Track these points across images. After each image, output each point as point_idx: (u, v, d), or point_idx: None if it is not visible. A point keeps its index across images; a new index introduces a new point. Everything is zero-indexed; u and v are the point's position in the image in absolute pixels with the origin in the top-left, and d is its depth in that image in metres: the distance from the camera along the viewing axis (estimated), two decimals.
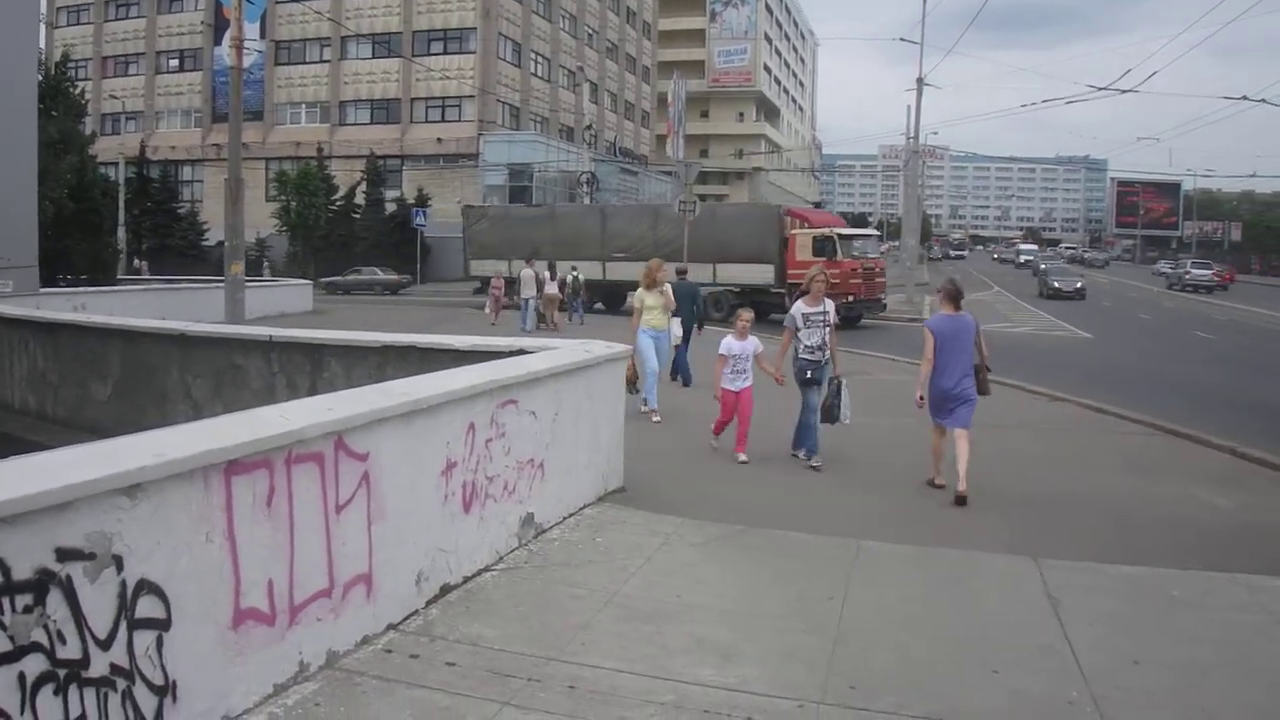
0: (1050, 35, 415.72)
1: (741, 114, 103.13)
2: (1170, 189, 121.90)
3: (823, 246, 30.46)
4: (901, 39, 48.35)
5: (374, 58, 63.49)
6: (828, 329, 9.96)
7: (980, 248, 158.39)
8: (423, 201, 54.24)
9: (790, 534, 7.53)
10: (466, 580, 6.04)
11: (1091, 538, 7.53)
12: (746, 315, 10.61)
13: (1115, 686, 4.98)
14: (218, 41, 52.19)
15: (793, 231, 32.34)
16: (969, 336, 8.96)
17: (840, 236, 31.20)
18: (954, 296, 9.11)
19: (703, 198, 75.86)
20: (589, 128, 63.91)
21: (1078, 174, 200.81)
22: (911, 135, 47.04)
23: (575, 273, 30.74)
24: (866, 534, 7.54)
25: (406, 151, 63.25)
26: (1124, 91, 37.70)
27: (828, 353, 9.96)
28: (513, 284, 30.19)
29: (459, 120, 63.08)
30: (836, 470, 9.78)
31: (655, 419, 12.25)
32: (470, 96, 62.00)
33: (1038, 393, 15.52)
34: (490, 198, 62.65)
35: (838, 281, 25.93)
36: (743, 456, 9.97)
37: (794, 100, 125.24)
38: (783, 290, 30.59)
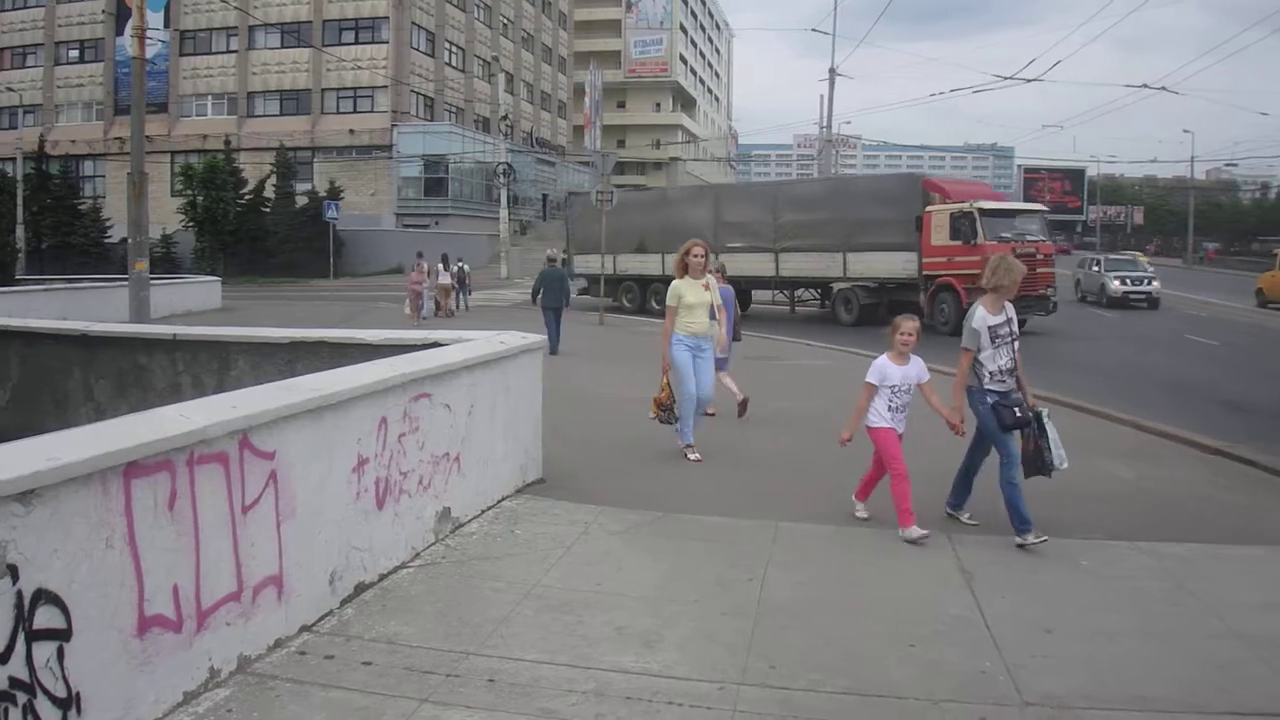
0: (959, 26, 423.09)
1: (658, 104, 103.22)
2: (1075, 175, 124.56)
3: (959, 227, 24.65)
4: (814, 30, 49.06)
5: (283, 47, 62.36)
6: (1016, 342, 7.36)
7: None
8: (335, 194, 53.30)
9: (709, 518, 7.57)
10: (382, 578, 5.95)
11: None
12: (910, 326, 7.38)
13: (1028, 655, 5.10)
14: (119, 31, 51.07)
15: (928, 208, 25.79)
16: (731, 301, 12.61)
17: (983, 213, 24.61)
18: (723, 271, 13.86)
19: (619, 188, 75.73)
20: (505, 118, 63.20)
21: (986, 161, 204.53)
22: (825, 124, 47.65)
23: (461, 263, 33.24)
24: (784, 515, 7.61)
25: (318, 143, 62.30)
26: (1029, 81, 38.50)
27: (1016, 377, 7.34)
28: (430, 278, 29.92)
29: (372, 111, 62.28)
30: (761, 457, 9.81)
31: (693, 456, 9.59)
32: (383, 87, 61.23)
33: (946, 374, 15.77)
34: (405, 190, 62.10)
35: (977, 273, 21.69)
36: (916, 530, 7.02)
37: (710, 91, 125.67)
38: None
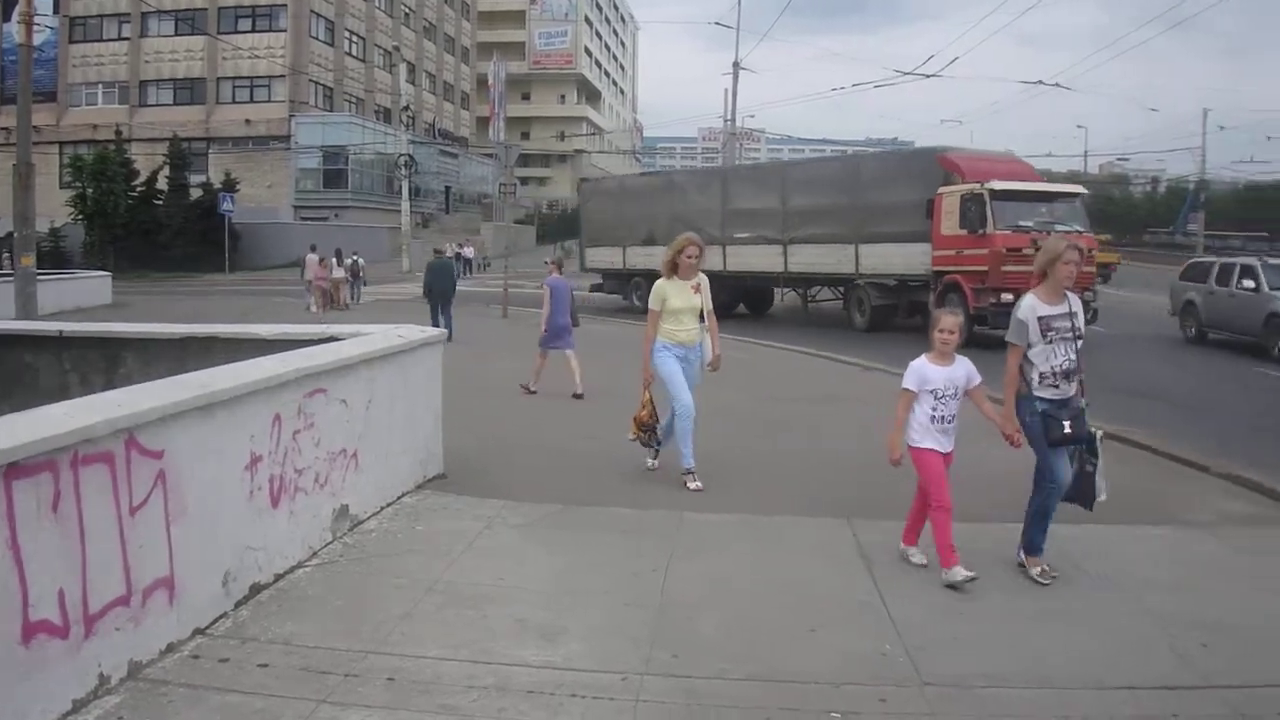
0: (863, 22, 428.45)
1: (563, 96, 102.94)
2: None
3: (968, 212, 20.69)
4: (718, 24, 49.28)
5: (177, 35, 60.79)
6: (1079, 340, 6.26)
7: None
8: (230, 186, 51.98)
9: (614, 510, 7.59)
10: (279, 578, 5.83)
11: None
12: (951, 322, 6.36)
13: (929, 637, 5.22)
14: (6, 17, 49.12)
15: (940, 190, 21.80)
16: (569, 291, 13.93)
17: (995, 194, 20.36)
18: (559, 265, 14.92)
19: (524, 181, 75.01)
20: (406, 109, 62.43)
21: None
22: (729, 118, 47.97)
23: (356, 256, 33.42)
24: (689, 505, 7.67)
25: (213, 134, 60.93)
26: (929, 76, 39.29)
27: (1075, 382, 6.28)
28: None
29: (269, 101, 61.12)
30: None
31: (693, 485, 8.24)
32: (281, 76, 60.10)
33: (849, 362, 16.07)
34: (303, 182, 61.03)
35: (985, 269, 20.25)
36: (960, 572, 5.95)
37: (615, 83, 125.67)
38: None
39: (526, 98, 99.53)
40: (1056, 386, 6.17)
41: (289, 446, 5.94)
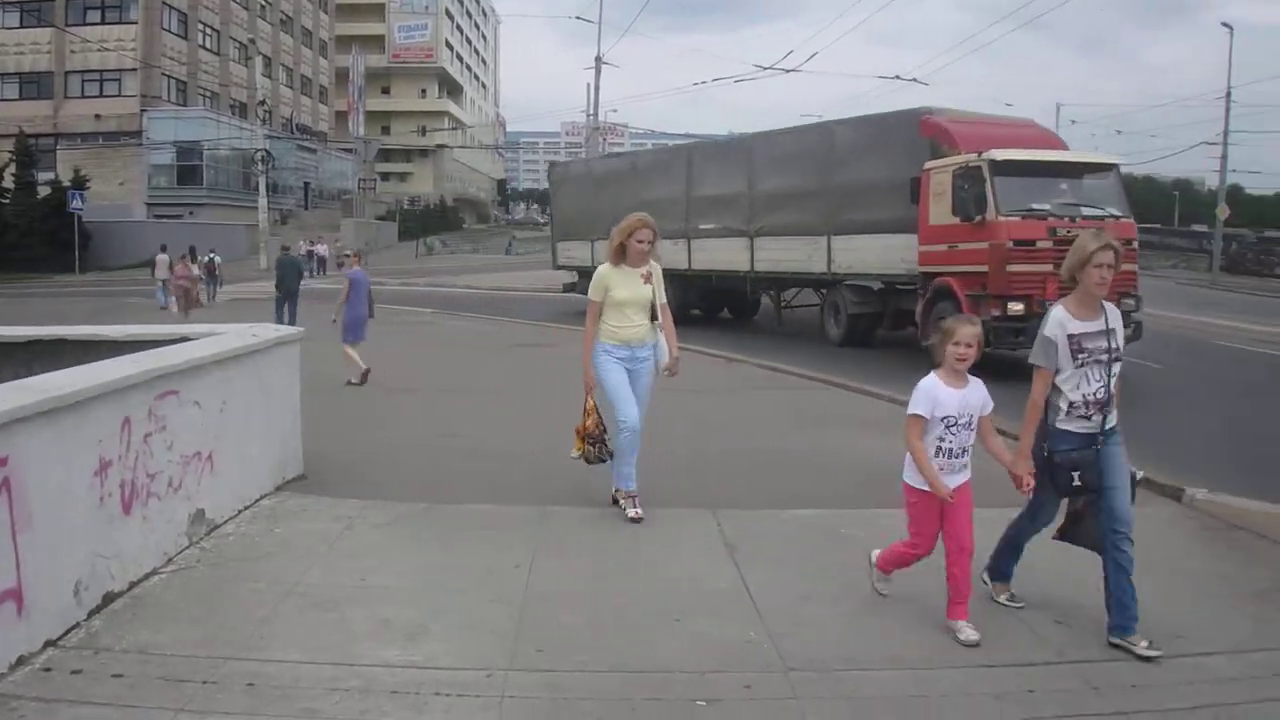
0: (725, 20, 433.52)
1: (424, 90, 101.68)
2: None
3: (963, 191, 15.75)
4: (579, 18, 49.19)
5: (22, 26, 58.27)
6: (1116, 364, 5.25)
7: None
8: (80, 184, 50.01)
9: (477, 507, 7.55)
10: (133, 586, 5.65)
11: (768, 486, 7.98)
12: (968, 333, 5.25)
13: (790, 623, 5.33)
14: None
15: (927, 165, 17.03)
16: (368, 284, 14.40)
17: (997, 167, 15.53)
18: (360, 256, 15.87)
19: (384, 176, 73.82)
20: (263, 103, 61.07)
21: None
22: (591, 112, 48.06)
23: (212, 254, 33.04)
24: (552, 499, 7.66)
25: (61, 129, 58.53)
26: (788, 71, 39.79)
27: (1111, 413, 5.30)
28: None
29: (120, 95, 58.98)
30: (525, 442, 9.84)
31: (633, 512, 7.17)
32: (132, 69, 58.04)
33: (716, 355, 16.34)
34: (157, 179, 59.07)
35: (984, 269, 15.37)
36: (970, 634, 5.17)
37: (477, 77, 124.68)
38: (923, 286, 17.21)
39: (386, 92, 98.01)
40: (1088, 418, 5.20)
41: (140, 450, 5.76)
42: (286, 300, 21.29)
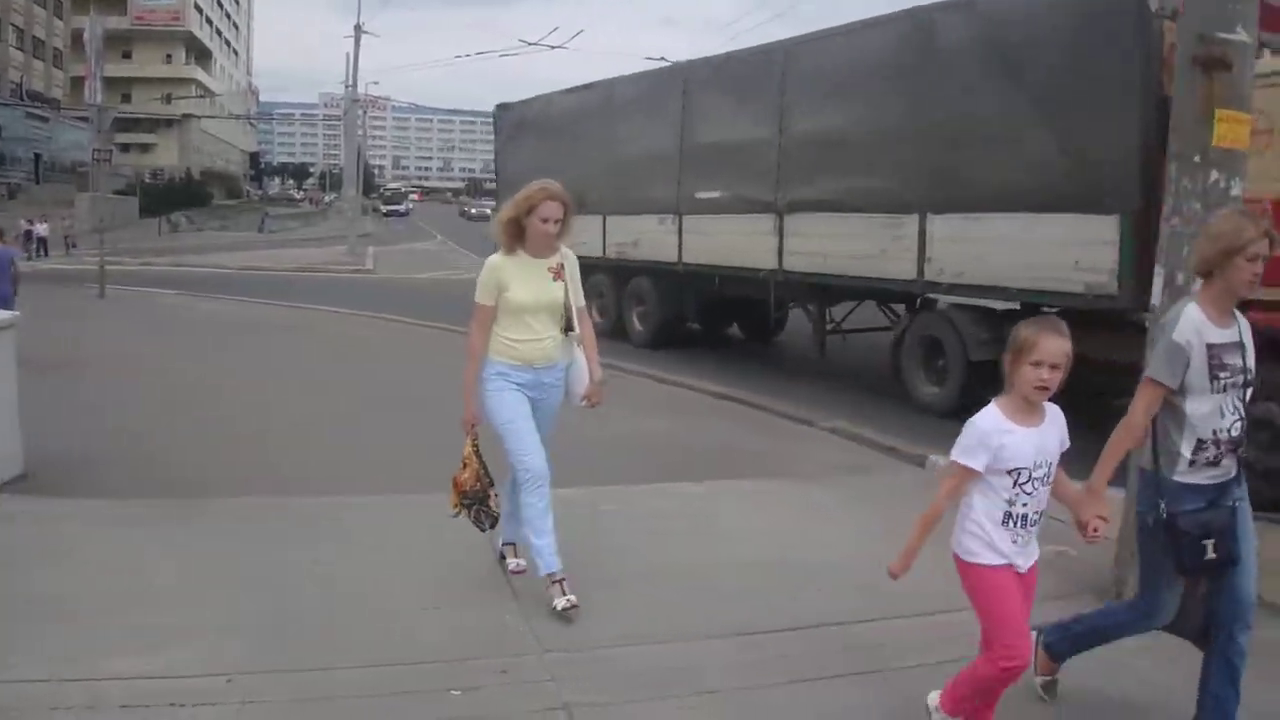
0: None
1: (169, 56, 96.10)
2: None
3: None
4: None
5: None
6: (1249, 390, 3.99)
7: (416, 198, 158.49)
8: None
9: (235, 501, 7.11)
10: None
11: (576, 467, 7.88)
12: (1055, 349, 3.54)
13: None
14: None
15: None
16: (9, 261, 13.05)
17: None
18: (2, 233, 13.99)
19: (124, 147, 69.52)
20: None
21: None
22: (350, 84, 46.61)
23: None
24: (311, 491, 7.34)
25: None
26: (554, 47, 39.59)
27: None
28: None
29: None
30: (297, 426, 9.40)
31: (561, 602, 5.13)
32: None
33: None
34: None
35: None
36: None
37: (229, 43, 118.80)
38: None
39: (128, 56, 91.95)
40: (1217, 464, 3.91)
41: None
42: None
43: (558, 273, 5.41)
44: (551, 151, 18.09)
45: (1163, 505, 3.85)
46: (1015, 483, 3.64)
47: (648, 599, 5.44)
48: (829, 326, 14.21)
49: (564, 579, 5.21)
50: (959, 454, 3.70)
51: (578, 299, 5.51)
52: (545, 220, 5.24)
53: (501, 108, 21.30)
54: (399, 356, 14.62)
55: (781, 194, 13.36)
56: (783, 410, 10.74)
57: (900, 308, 13.44)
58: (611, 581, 5.61)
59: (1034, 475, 3.64)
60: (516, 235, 5.33)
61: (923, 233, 11.28)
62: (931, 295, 11.86)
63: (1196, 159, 5.28)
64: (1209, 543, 3.80)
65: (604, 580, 5.61)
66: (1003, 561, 3.69)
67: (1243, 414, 3.93)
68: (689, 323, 17.02)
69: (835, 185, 12.54)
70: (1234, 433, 3.90)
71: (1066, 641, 4.36)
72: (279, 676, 4.44)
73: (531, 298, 5.32)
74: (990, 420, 3.67)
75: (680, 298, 16.44)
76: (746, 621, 5.13)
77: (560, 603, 5.13)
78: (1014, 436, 3.62)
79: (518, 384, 5.35)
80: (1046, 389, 3.57)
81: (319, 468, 8.03)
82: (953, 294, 11.43)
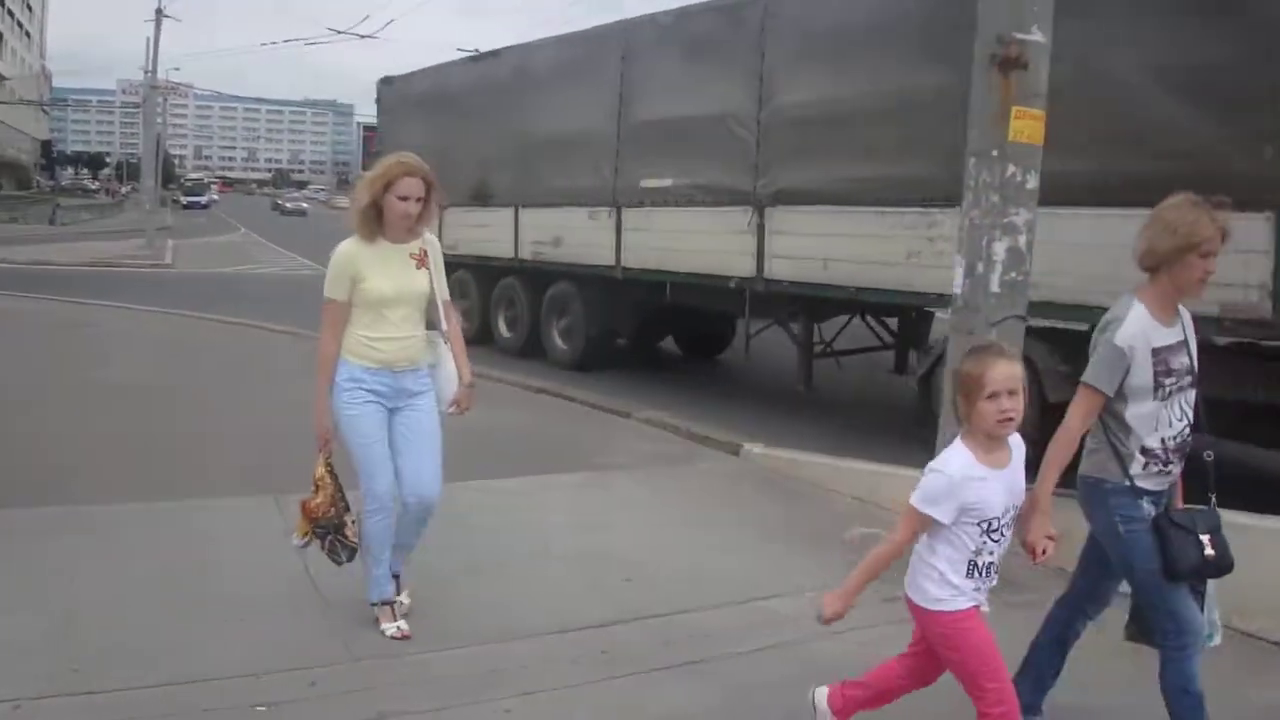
0: None
1: None
2: None
3: None
4: None
5: None
6: (1193, 391, 3.77)
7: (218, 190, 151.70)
8: None
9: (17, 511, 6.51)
10: None
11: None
12: (1008, 373, 3.25)
13: (359, 614, 4.97)
14: None
15: None
16: None
17: None
18: None
19: None
20: None
21: (325, 118, 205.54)
22: (150, 69, 44.56)
23: None
24: (100, 496, 6.82)
25: None
26: (364, 36, 38.62)
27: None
28: None
29: None
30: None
31: (390, 629, 4.81)
32: None
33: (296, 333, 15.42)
34: None
35: None
36: None
37: (20, 25, 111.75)
38: None
39: None
40: (1167, 472, 3.72)
41: None
42: None
43: (421, 260, 4.79)
44: (448, 132, 15.56)
45: (1144, 503, 3.64)
46: (984, 532, 3.31)
47: (464, 598, 5.31)
48: (818, 348, 11.48)
49: (391, 603, 4.87)
50: (923, 503, 3.31)
51: (443, 291, 4.94)
52: (405, 199, 4.61)
53: (385, 82, 18.39)
54: (190, 353, 13.88)
55: (763, 182, 10.48)
56: (595, 402, 10.71)
57: (894, 321, 11.76)
58: (424, 582, 5.43)
59: (1003, 522, 3.33)
60: (372, 218, 4.69)
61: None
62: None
63: (995, 153, 5.50)
64: (1206, 536, 3.58)
65: (417, 581, 5.43)
66: (969, 604, 3.36)
67: (1189, 418, 3.72)
68: (623, 339, 13.95)
69: (842, 171, 9.67)
70: (1181, 439, 3.70)
71: (1032, 684, 3.94)
72: (71, 700, 4.11)
73: (392, 289, 4.69)
74: (960, 466, 3.28)
75: (615, 309, 13.40)
76: (566, 617, 5.06)
77: (390, 629, 4.79)
78: (986, 486, 3.27)
79: (374, 393, 4.73)
80: (1011, 420, 3.23)
81: (107, 473, 7.52)
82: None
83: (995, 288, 5.58)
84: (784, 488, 7.75)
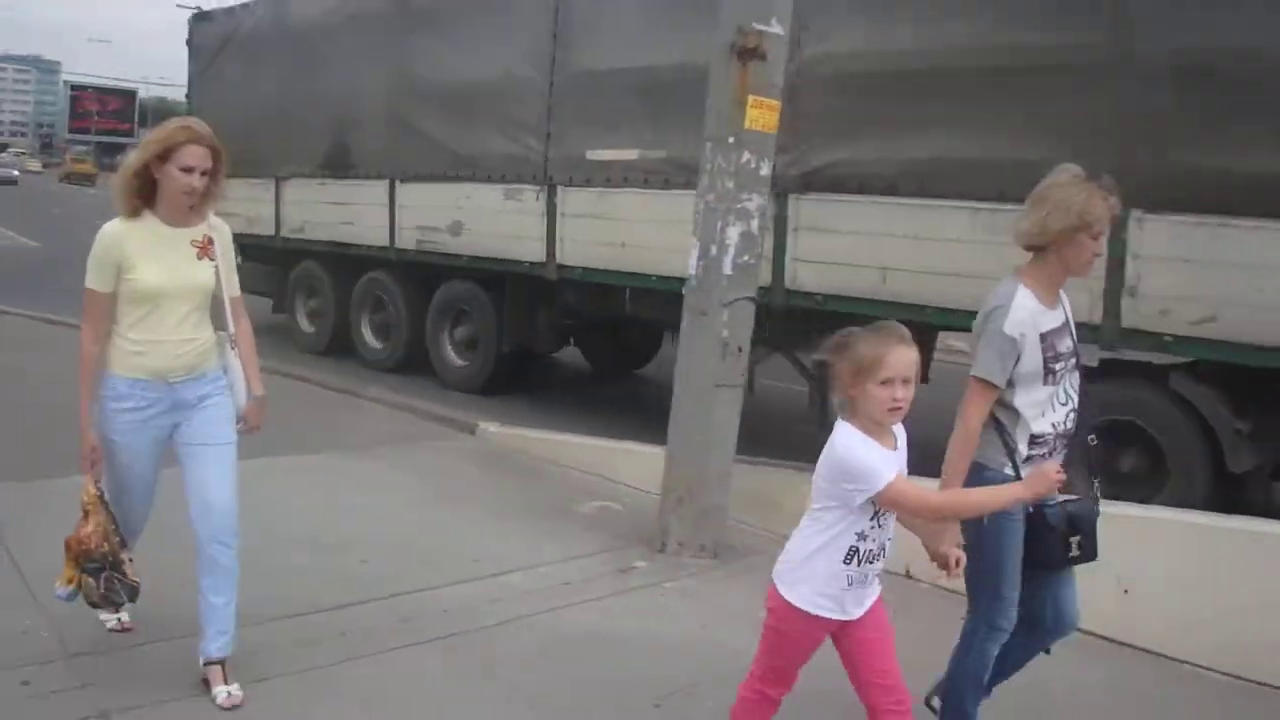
0: None
1: None
2: (127, 96, 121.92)
3: None
4: None
5: None
6: (1077, 374, 3.66)
7: None
8: None
9: None
10: None
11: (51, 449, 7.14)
12: (907, 359, 2.91)
13: (73, 608, 4.49)
14: None
15: None
16: None
17: None
18: None
19: None
20: None
21: (29, 75, 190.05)
22: None
23: None
24: None
25: None
26: None
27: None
28: None
29: None
30: None
31: (223, 695, 3.97)
32: None
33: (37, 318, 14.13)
34: None
35: None
36: None
37: None
38: None
39: None
40: (1049, 444, 3.59)
41: None
42: None
43: (204, 248, 3.95)
44: (292, 81, 12.26)
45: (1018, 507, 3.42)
46: (872, 519, 3.00)
47: (189, 588, 5.08)
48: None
49: (220, 661, 4.06)
50: (864, 481, 2.93)
51: (232, 287, 4.10)
52: (187, 170, 3.74)
53: (200, 18, 14.50)
54: None
55: (787, 160, 7.33)
56: (327, 382, 10.47)
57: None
58: (147, 569, 5.18)
59: (884, 511, 3.03)
60: (144, 192, 3.83)
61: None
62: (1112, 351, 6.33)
63: (731, 140, 5.73)
64: (1076, 539, 3.53)
65: (138, 570, 5.18)
66: (826, 613, 3.03)
67: (1075, 402, 3.62)
68: (544, 351, 11.49)
69: (917, 146, 7.05)
70: (1068, 424, 3.60)
71: (963, 706, 3.70)
72: None
73: (167, 281, 3.86)
74: (861, 447, 2.95)
75: (538, 319, 10.62)
76: (302, 602, 4.94)
77: (222, 696, 3.97)
78: (879, 462, 2.95)
79: (137, 411, 3.93)
80: (901, 409, 2.94)
81: None
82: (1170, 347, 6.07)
83: (728, 270, 5.83)
84: (519, 464, 7.85)
